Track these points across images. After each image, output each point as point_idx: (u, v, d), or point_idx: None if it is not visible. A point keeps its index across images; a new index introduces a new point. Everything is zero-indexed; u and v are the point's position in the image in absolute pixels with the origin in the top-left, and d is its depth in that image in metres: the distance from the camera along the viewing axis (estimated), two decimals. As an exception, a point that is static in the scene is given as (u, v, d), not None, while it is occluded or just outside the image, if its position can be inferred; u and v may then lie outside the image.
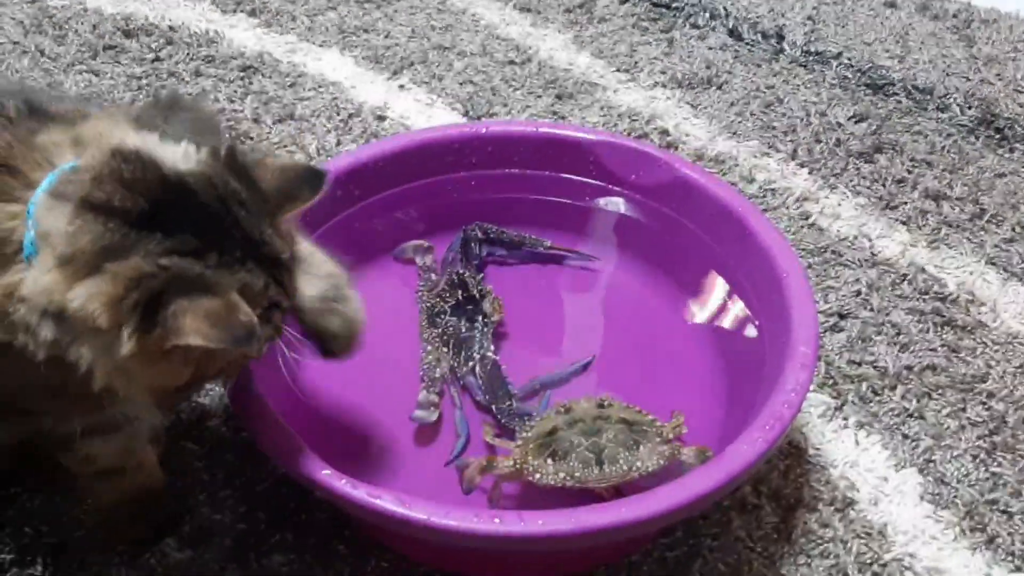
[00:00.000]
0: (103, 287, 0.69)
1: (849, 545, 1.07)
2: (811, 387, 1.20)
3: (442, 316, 1.23)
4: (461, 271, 1.27)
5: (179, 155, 0.79)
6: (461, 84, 1.74)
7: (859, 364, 1.26)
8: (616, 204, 1.31)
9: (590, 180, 1.31)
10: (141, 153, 0.76)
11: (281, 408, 0.98)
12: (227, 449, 1.14)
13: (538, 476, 0.98)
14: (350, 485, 0.89)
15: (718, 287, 1.22)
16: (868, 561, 1.05)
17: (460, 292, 1.24)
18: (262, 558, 1.05)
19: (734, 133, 1.65)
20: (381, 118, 1.65)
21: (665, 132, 1.64)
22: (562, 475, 0.97)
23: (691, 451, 0.99)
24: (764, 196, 1.52)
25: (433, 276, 1.29)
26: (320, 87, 1.72)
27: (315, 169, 0.86)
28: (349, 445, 1.09)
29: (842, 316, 1.33)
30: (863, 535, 1.08)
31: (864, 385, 1.23)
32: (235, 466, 1.12)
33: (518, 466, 0.99)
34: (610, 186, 1.30)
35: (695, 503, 0.89)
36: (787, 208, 1.50)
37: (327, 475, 0.90)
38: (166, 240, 0.71)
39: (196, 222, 0.74)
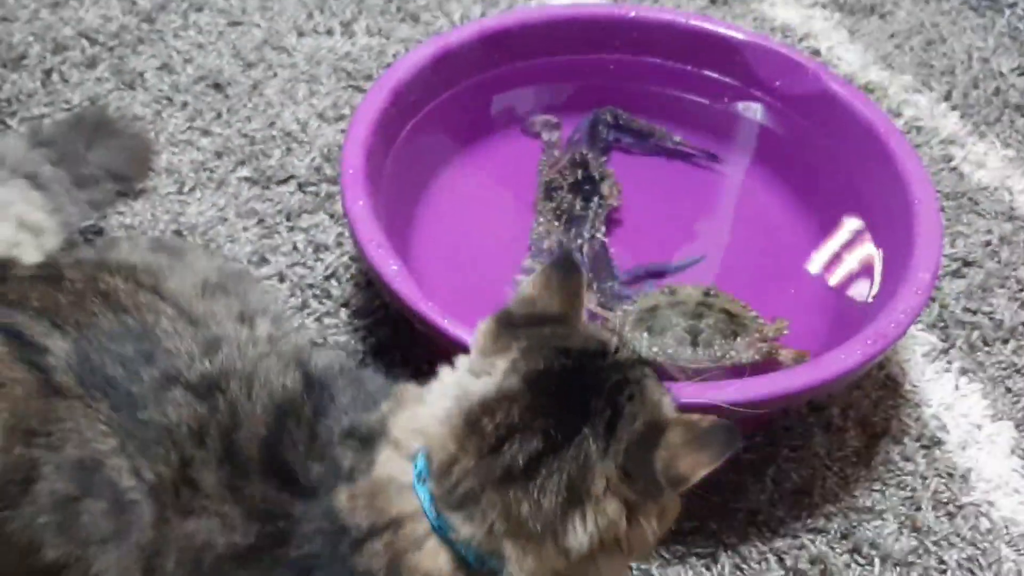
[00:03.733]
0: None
1: (928, 482, 1.05)
2: (921, 325, 1.18)
3: (559, 191, 1.24)
4: (585, 151, 1.27)
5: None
6: (615, -25, 1.71)
7: (975, 312, 1.22)
8: (754, 110, 1.28)
9: (732, 81, 1.28)
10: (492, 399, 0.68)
11: (400, 254, 1.01)
12: (349, 297, 1.20)
13: (632, 347, 1.00)
14: (449, 322, 0.92)
15: (845, 206, 1.19)
16: (944, 500, 1.04)
17: (580, 171, 1.25)
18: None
19: (889, 65, 1.58)
20: (529, -4, 1.64)
21: (816, 52, 1.58)
22: (655, 349, 0.98)
23: (789, 352, 0.99)
24: (909, 133, 1.46)
25: (556, 152, 1.29)
26: (473, -42, 1.72)
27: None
28: (453, 293, 1.12)
29: (967, 263, 1.28)
30: (945, 475, 1.06)
31: (976, 334, 1.19)
32: (358, 307, 1.18)
33: (615, 329, 1.01)
34: (752, 90, 1.27)
35: (777, 399, 0.90)
36: (930, 148, 1.44)
37: (429, 308, 0.93)
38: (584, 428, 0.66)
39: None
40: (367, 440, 0.72)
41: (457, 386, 0.70)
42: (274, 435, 0.72)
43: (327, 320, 1.16)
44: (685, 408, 0.86)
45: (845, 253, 1.17)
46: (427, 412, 0.70)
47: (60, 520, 0.72)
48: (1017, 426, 1.11)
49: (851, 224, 1.18)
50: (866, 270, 1.13)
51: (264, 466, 0.71)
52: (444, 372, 0.73)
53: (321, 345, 1.13)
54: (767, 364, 1.00)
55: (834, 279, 1.16)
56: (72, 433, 0.73)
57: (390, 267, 0.97)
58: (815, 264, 1.18)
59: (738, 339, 0.99)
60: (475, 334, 0.73)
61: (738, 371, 0.98)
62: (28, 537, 0.73)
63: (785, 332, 1.03)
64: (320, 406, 0.75)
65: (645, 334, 1.00)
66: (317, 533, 0.69)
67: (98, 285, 0.79)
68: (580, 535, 0.65)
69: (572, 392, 0.67)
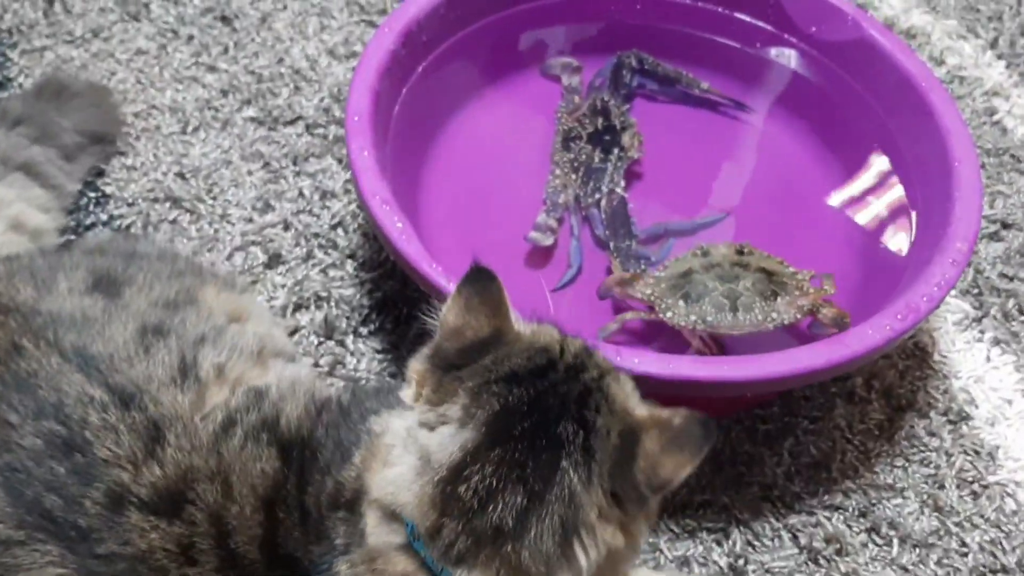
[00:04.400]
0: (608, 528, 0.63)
1: (953, 459, 1.01)
2: (954, 292, 1.13)
3: (577, 141, 1.17)
4: (606, 98, 1.20)
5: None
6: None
7: (1011, 279, 1.16)
8: (788, 57, 1.21)
9: (765, 25, 1.20)
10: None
11: (405, 208, 0.96)
12: (356, 248, 1.15)
13: (670, 315, 0.95)
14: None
15: (879, 164, 1.12)
16: (969, 479, 1.00)
17: (601, 120, 1.18)
18: (360, 340, 1.07)
19: (933, 8, 1.49)
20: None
21: (857, -7, 1.49)
22: (693, 318, 0.93)
23: (830, 310, 0.94)
24: (951, 83, 1.38)
25: (576, 98, 1.22)
26: None
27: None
28: (461, 251, 1.07)
29: (1006, 225, 1.22)
30: (971, 452, 1.02)
31: (1011, 302, 1.13)
32: (364, 259, 1.14)
33: (654, 296, 0.96)
34: (786, 36, 1.19)
35: (801, 377, 0.85)
36: (972, 99, 1.37)
37: (434, 269, 0.88)
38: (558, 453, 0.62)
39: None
40: (352, 504, 0.67)
41: (412, 441, 0.65)
42: (269, 531, 0.68)
43: (332, 272, 1.12)
44: (692, 382, 0.83)
45: (879, 210, 1.10)
46: (395, 475, 0.64)
47: None
48: (1050, 402, 1.06)
49: (886, 181, 1.11)
50: (901, 229, 1.07)
51: (268, 562, 0.67)
52: (393, 419, 0.68)
53: (326, 299, 1.09)
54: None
55: (867, 237, 1.10)
56: None
57: (395, 225, 0.92)
58: (848, 221, 1.12)
59: (778, 299, 0.94)
60: (409, 374, 0.67)
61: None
62: None
63: (832, 291, 0.97)
64: (302, 476, 0.70)
65: (681, 302, 0.95)
66: None
67: (20, 365, 0.72)
68: (583, 561, 0.62)
69: (537, 425, 0.62)
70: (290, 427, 0.73)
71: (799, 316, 0.95)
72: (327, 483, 0.69)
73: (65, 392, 0.70)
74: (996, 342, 1.11)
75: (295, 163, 1.23)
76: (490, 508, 0.61)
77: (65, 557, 0.67)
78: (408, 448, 0.64)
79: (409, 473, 0.63)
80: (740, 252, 1.00)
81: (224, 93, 1.30)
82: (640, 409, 0.66)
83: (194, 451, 0.69)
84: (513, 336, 0.67)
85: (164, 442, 0.69)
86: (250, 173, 1.22)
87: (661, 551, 0.93)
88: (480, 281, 0.68)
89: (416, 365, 0.67)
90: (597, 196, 1.13)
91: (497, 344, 0.66)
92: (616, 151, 1.16)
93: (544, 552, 0.61)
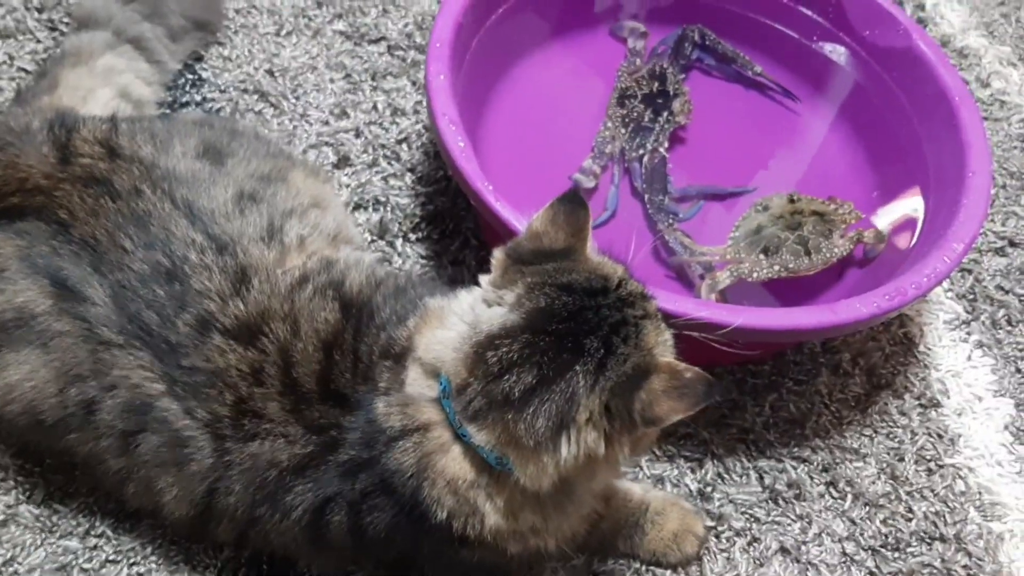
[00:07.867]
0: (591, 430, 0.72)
1: (917, 438, 1.11)
2: (951, 294, 1.22)
3: (632, 100, 1.28)
4: (666, 65, 1.30)
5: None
6: None
7: (1007, 292, 1.25)
8: (839, 54, 1.30)
9: (824, 22, 1.29)
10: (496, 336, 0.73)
11: (468, 132, 1.06)
12: (416, 164, 1.27)
13: (755, 274, 1.08)
14: (501, 205, 0.99)
15: (904, 162, 1.21)
16: (928, 457, 1.10)
17: (657, 84, 1.28)
18: (408, 245, 1.19)
19: (990, 32, 1.56)
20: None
21: (921, 7, 1.57)
22: (776, 267, 1.07)
23: (871, 234, 1.11)
24: (991, 105, 1.46)
25: (638, 61, 1.32)
26: None
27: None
28: (511, 178, 1.18)
29: (1013, 244, 1.31)
30: (934, 435, 1.12)
31: (1002, 312, 1.23)
32: (422, 174, 1.26)
33: (735, 273, 1.08)
34: (841, 34, 1.28)
35: (788, 332, 0.96)
36: (1009, 124, 1.45)
37: (486, 187, 1.00)
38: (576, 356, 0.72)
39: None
40: (399, 357, 0.79)
41: (471, 312, 0.76)
42: (325, 368, 0.80)
43: (392, 181, 1.24)
44: (686, 319, 0.93)
45: (893, 211, 1.19)
46: (445, 337, 0.76)
47: (120, 445, 0.82)
48: (1017, 405, 1.16)
49: (905, 178, 1.20)
50: (909, 223, 1.16)
51: (321, 394, 0.79)
52: (463, 294, 0.79)
53: (383, 203, 1.21)
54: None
55: (882, 226, 1.19)
56: (120, 379, 0.81)
57: (457, 143, 1.03)
58: (866, 211, 1.21)
59: (834, 235, 1.08)
60: (493, 260, 0.78)
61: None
62: (94, 452, 0.84)
63: (862, 216, 1.15)
64: (359, 328, 0.82)
65: (762, 256, 1.08)
66: (360, 437, 0.78)
67: (138, 205, 0.84)
68: (566, 453, 0.72)
69: (570, 330, 0.72)
70: (352, 290, 0.85)
71: (851, 246, 1.10)
72: (381, 337, 0.81)
73: (172, 233, 0.83)
74: (980, 345, 1.20)
75: (373, 79, 1.34)
76: (505, 377, 0.72)
77: (154, 364, 0.80)
78: (464, 318, 0.76)
79: (457, 337, 0.75)
80: (792, 200, 1.13)
81: (319, 4, 1.42)
82: (664, 356, 0.75)
83: (272, 296, 0.82)
84: (582, 258, 0.78)
85: (249, 285, 0.82)
86: (332, 81, 1.33)
87: (641, 468, 1.05)
88: (571, 204, 0.78)
89: (497, 253, 0.78)
90: (641, 152, 1.24)
91: (565, 258, 0.77)
92: (666, 114, 1.26)
93: (536, 430, 0.72)
